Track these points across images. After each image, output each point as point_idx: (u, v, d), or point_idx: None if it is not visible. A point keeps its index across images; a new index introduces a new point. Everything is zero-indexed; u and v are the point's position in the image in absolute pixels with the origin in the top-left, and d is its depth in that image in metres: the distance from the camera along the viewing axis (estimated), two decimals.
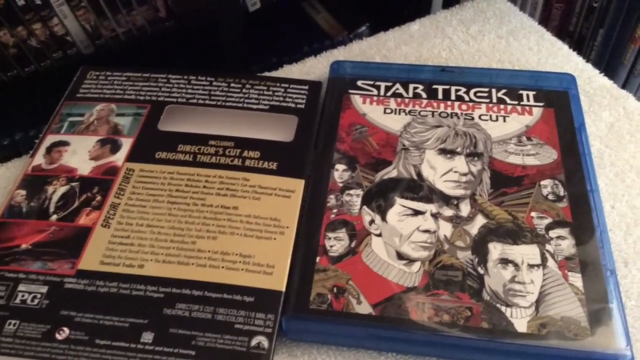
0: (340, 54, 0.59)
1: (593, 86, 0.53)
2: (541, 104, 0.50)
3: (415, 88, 0.52)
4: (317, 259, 0.41)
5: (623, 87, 0.70)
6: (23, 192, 0.46)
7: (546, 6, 0.85)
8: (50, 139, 0.50)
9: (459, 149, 0.47)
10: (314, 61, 0.58)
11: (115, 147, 0.49)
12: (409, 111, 0.50)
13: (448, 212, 0.43)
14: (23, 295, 0.40)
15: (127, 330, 0.38)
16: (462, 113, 0.49)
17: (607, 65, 0.81)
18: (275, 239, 0.43)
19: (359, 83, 0.52)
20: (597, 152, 0.48)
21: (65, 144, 0.49)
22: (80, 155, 0.48)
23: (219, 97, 0.52)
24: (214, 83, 0.53)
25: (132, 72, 0.54)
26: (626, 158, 0.48)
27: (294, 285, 0.40)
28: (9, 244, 0.43)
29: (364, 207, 0.44)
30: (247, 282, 0.40)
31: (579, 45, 0.84)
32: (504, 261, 0.40)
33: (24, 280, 0.41)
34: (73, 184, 0.46)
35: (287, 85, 0.53)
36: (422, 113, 0.50)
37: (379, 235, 0.42)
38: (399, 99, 0.51)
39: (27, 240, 0.43)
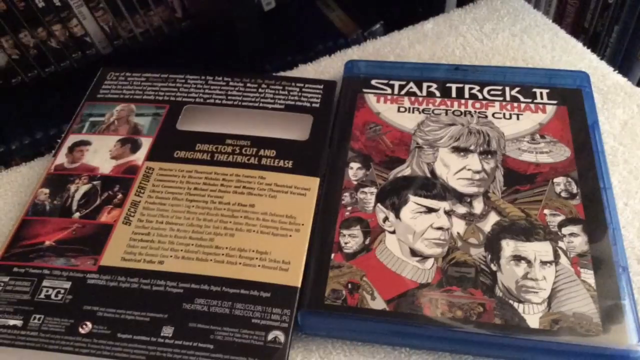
0: (354, 53, 0.59)
1: (607, 84, 0.53)
2: (555, 101, 0.50)
3: (429, 87, 0.52)
4: (332, 255, 0.42)
5: (638, 84, 0.70)
6: (46, 191, 0.47)
7: (561, 3, 0.85)
8: (72, 138, 0.51)
9: (472, 147, 0.47)
10: (329, 60, 0.59)
11: (135, 147, 0.50)
12: (423, 110, 0.51)
13: (461, 209, 0.44)
14: (47, 291, 0.42)
15: (147, 324, 0.40)
16: (475, 111, 0.50)
17: (622, 62, 0.81)
18: (291, 236, 0.43)
19: (373, 82, 0.53)
20: (610, 150, 0.48)
21: (86, 143, 0.50)
22: (101, 154, 0.49)
23: (235, 97, 0.53)
24: (231, 83, 0.54)
25: (151, 72, 0.55)
26: None
27: (310, 281, 0.41)
28: (34, 241, 0.44)
29: (378, 204, 0.45)
30: (263, 278, 0.41)
31: (593, 42, 0.84)
32: (517, 258, 0.41)
33: (48, 276, 0.42)
34: (95, 182, 0.48)
35: (302, 85, 0.54)
36: (435, 111, 0.50)
37: (393, 232, 0.43)
38: (412, 98, 0.51)
39: (51, 238, 0.44)
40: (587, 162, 0.46)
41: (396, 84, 0.53)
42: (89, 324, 0.40)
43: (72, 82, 0.66)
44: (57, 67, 0.85)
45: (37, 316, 0.40)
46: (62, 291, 0.41)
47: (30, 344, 0.39)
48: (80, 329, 0.40)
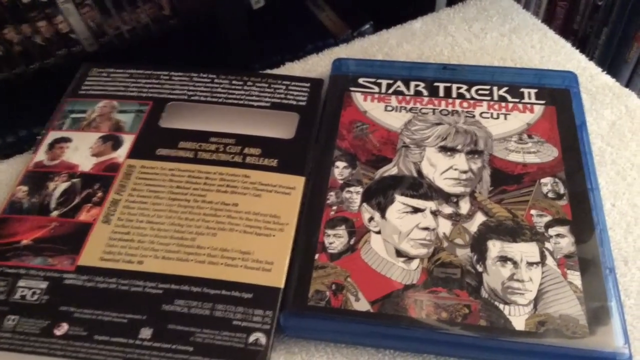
0: (342, 51, 0.59)
1: (595, 84, 0.53)
2: (543, 101, 0.50)
3: (416, 86, 0.52)
4: (316, 255, 0.42)
5: (627, 85, 0.70)
6: (25, 188, 0.46)
7: (550, 4, 0.84)
8: (52, 135, 0.50)
9: (459, 147, 0.47)
10: (316, 59, 0.58)
11: (117, 144, 0.49)
12: (410, 109, 0.50)
13: (447, 209, 0.43)
14: (23, 291, 0.40)
15: (125, 326, 0.39)
16: (463, 111, 0.49)
17: (611, 64, 0.81)
18: (274, 235, 0.43)
19: (361, 80, 0.52)
20: (598, 150, 0.48)
21: (67, 140, 0.49)
22: (82, 151, 0.48)
23: (220, 94, 0.52)
24: (216, 80, 0.53)
25: (135, 69, 0.54)
26: (627, 156, 0.48)
27: (293, 282, 0.40)
28: (10, 239, 0.43)
29: (364, 204, 0.44)
30: (245, 278, 0.40)
31: (582, 43, 0.84)
32: (503, 259, 0.40)
33: (24, 275, 0.41)
34: (74, 180, 0.47)
35: (288, 83, 0.53)
36: (423, 111, 0.50)
37: (378, 232, 0.42)
38: (400, 97, 0.51)
39: (28, 236, 0.43)
40: (574, 163, 0.45)
41: (383, 82, 0.52)
42: (65, 325, 0.39)
43: (57, 79, 0.64)
44: (42, 63, 0.84)
45: (12, 317, 0.39)
46: (39, 291, 0.40)
47: (4, 346, 0.38)
48: (56, 330, 0.39)
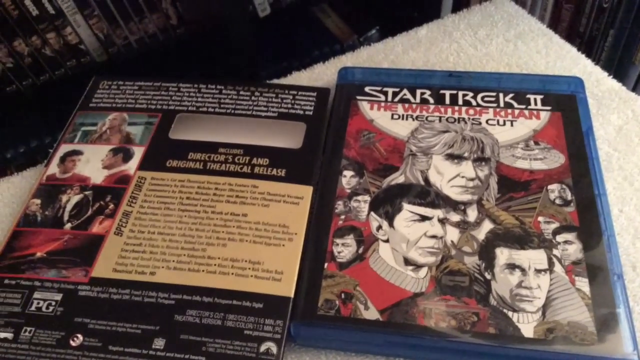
0: (348, 60, 0.59)
1: (601, 89, 0.53)
2: (549, 107, 0.50)
3: (422, 93, 0.52)
4: (325, 265, 0.42)
5: (633, 89, 0.69)
6: (38, 201, 0.47)
7: (556, 7, 0.84)
8: (64, 148, 0.51)
9: (466, 154, 0.47)
10: (322, 67, 0.59)
11: (128, 156, 0.49)
12: (417, 117, 0.50)
13: (455, 217, 0.44)
14: (38, 303, 0.41)
15: (139, 336, 0.39)
16: (469, 118, 0.50)
17: (618, 67, 0.80)
18: (283, 245, 0.43)
19: (367, 89, 0.53)
20: (605, 156, 0.48)
21: (78, 153, 0.50)
22: (93, 164, 0.49)
23: (228, 105, 0.53)
24: (224, 91, 0.54)
25: (144, 81, 0.55)
26: (635, 161, 0.48)
27: (303, 291, 0.41)
28: (25, 252, 0.44)
29: (372, 213, 0.44)
30: (256, 288, 0.41)
31: (589, 46, 0.84)
32: (511, 266, 0.41)
33: (39, 288, 0.42)
34: (86, 192, 0.47)
35: (295, 93, 0.53)
36: (429, 118, 0.50)
37: (387, 241, 0.43)
38: (406, 105, 0.51)
39: (42, 249, 0.44)
40: (581, 169, 0.45)
41: (390, 91, 0.52)
42: (80, 337, 0.39)
43: (67, 90, 0.65)
44: (52, 75, 0.85)
45: (28, 329, 0.40)
46: (53, 303, 0.41)
47: (21, 357, 0.39)
48: (72, 342, 0.39)
